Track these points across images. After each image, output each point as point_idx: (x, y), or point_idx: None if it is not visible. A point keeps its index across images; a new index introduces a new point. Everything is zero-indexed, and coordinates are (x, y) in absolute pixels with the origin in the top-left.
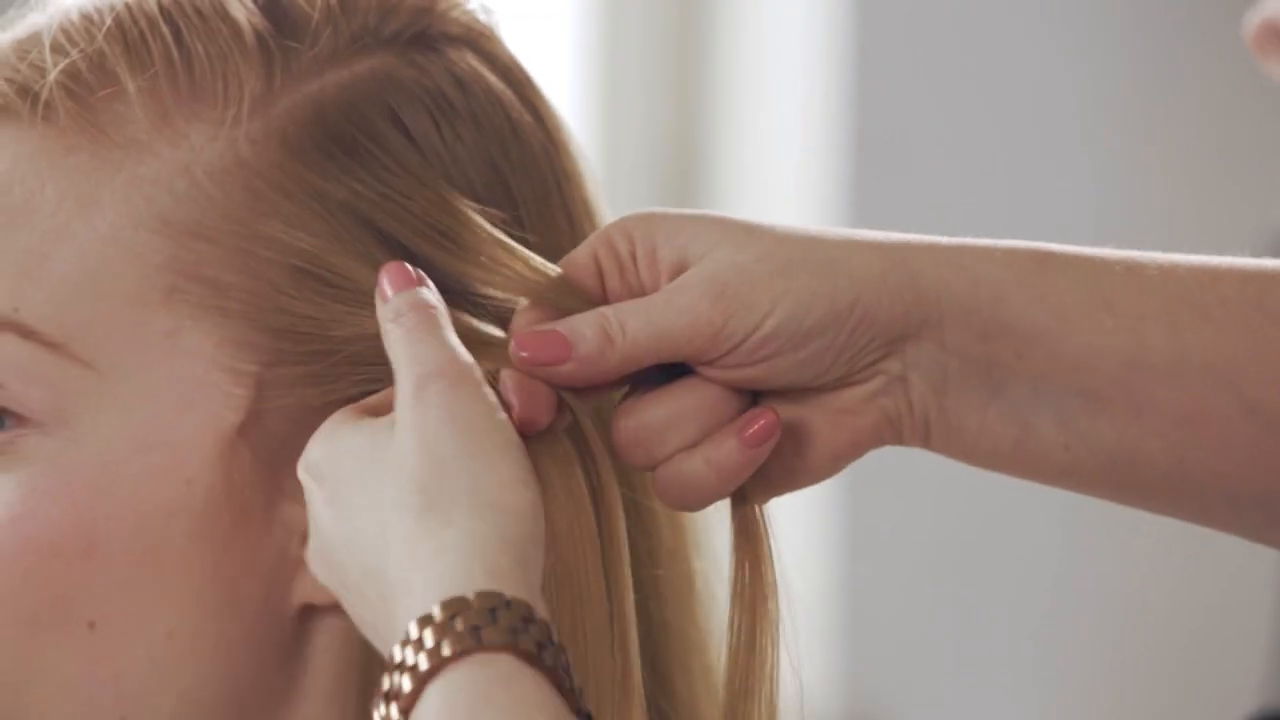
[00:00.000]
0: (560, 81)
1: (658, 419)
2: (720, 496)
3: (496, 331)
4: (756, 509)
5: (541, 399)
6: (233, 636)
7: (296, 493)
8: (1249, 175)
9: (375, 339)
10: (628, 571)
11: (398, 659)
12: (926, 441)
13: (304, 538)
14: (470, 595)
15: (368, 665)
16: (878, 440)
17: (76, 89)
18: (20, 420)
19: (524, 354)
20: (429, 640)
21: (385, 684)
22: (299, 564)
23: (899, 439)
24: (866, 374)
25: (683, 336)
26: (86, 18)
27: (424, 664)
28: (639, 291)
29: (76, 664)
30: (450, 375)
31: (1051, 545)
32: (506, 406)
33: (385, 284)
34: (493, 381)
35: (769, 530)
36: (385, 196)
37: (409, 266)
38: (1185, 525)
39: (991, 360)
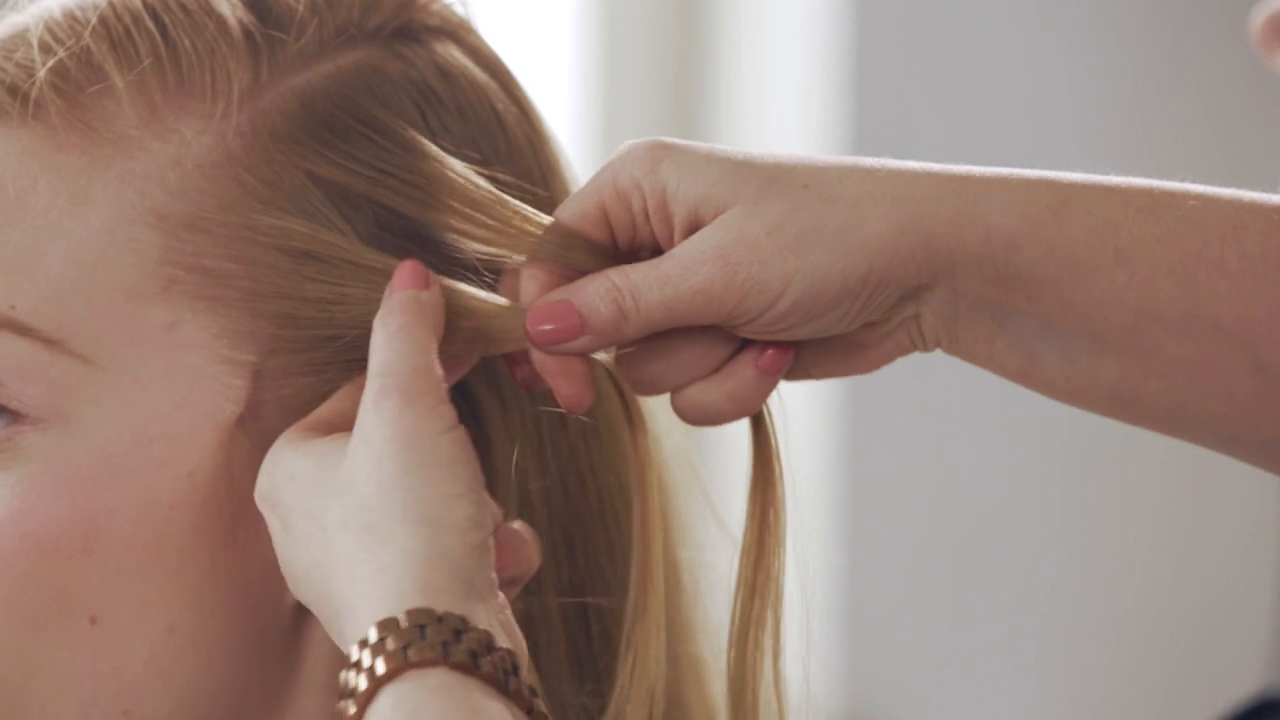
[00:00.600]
0: (560, 81)
1: (666, 356)
2: (739, 418)
3: (501, 300)
4: (771, 427)
5: (581, 378)
6: (233, 630)
7: None
8: (1250, 175)
9: (365, 325)
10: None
11: (344, 683)
12: (937, 348)
13: None
14: (400, 615)
15: None
16: (889, 361)
17: (66, 87)
18: (18, 417)
19: (539, 330)
20: (366, 661)
21: (339, 709)
22: None
23: (908, 354)
24: (879, 319)
25: (697, 313)
26: (71, 16)
27: (363, 685)
28: (651, 246)
29: (78, 659)
30: (406, 390)
31: (1051, 545)
32: (554, 390)
33: (393, 280)
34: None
35: (779, 445)
36: (379, 175)
37: (420, 266)
38: (1186, 526)
39: (1002, 301)
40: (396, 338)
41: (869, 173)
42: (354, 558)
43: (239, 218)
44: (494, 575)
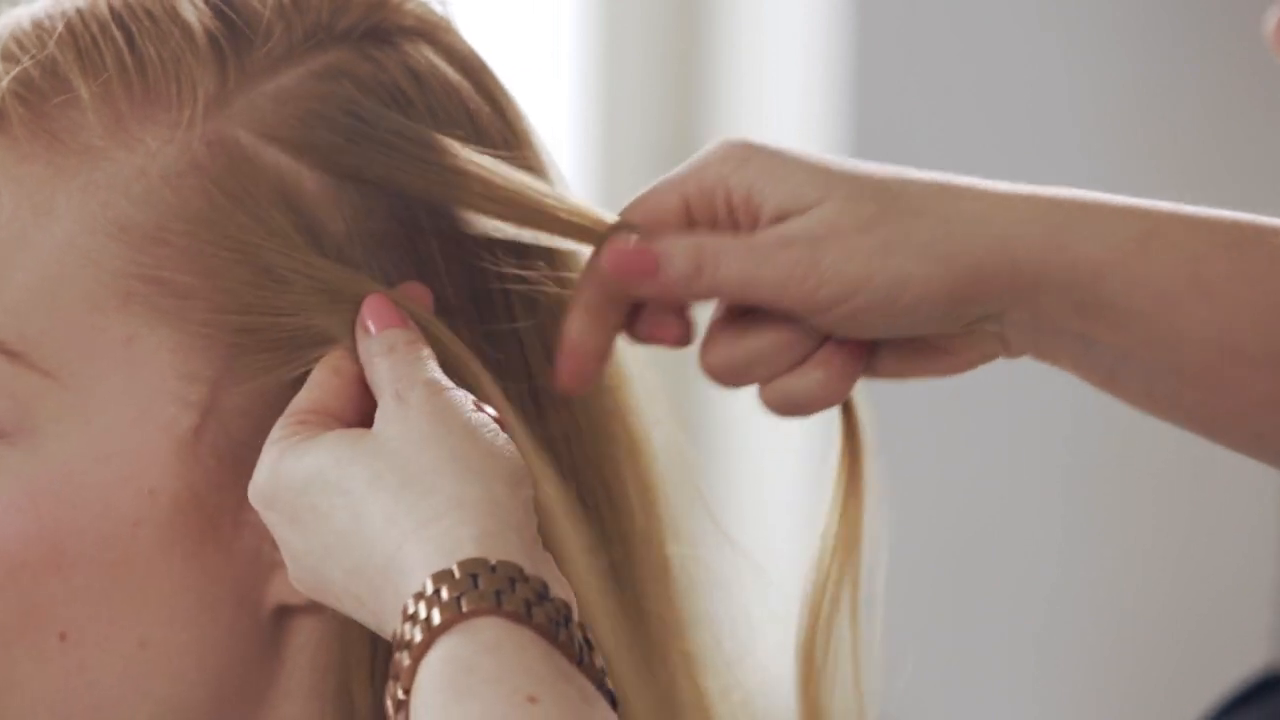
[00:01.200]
0: (560, 82)
1: (747, 353)
2: (826, 407)
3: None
4: (858, 413)
5: (592, 358)
6: (208, 642)
7: None
8: (1251, 175)
9: (324, 328)
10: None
11: (400, 635)
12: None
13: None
14: (453, 564)
15: (345, 664)
16: (974, 366)
17: (30, 97)
18: None
19: (610, 262)
20: (422, 613)
21: (395, 660)
22: (273, 566)
23: (993, 360)
24: (960, 332)
25: (773, 293)
26: (38, 24)
27: (418, 636)
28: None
29: (49, 675)
30: (431, 383)
31: (1051, 544)
32: (565, 359)
33: (369, 318)
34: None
35: (865, 431)
36: (352, 177)
37: (388, 300)
38: (1187, 529)
39: (1085, 330)
40: (404, 360)
41: (958, 192)
42: (395, 511)
43: (201, 229)
44: (539, 534)
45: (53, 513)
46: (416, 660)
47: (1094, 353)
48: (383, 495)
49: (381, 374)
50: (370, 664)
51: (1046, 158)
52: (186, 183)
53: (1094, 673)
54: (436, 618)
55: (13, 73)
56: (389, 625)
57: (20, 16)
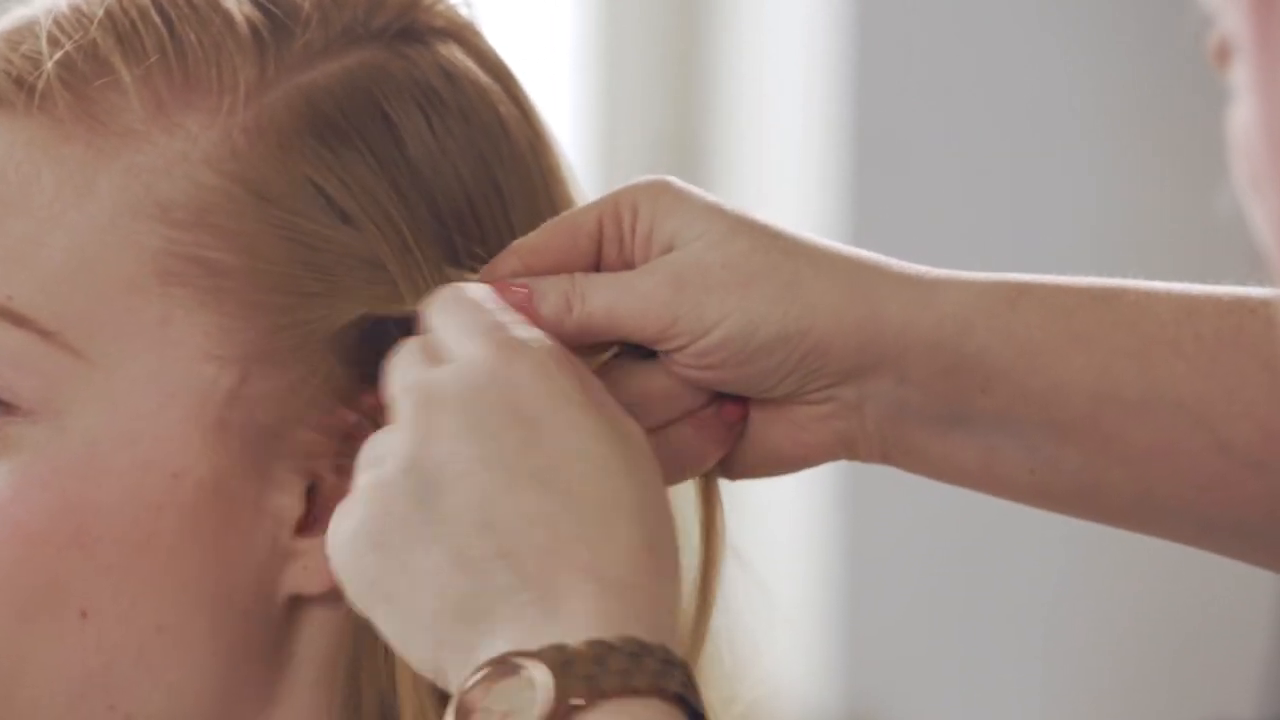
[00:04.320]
0: (560, 81)
1: (629, 394)
2: (691, 471)
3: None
4: (714, 484)
5: None
6: (222, 628)
7: (285, 483)
8: None
9: (359, 324)
10: None
11: (525, 675)
12: (885, 460)
13: (294, 528)
14: (614, 638)
15: (355, 656)
16: (829, 457)
17: (72, 79)
18: (10, 409)
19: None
20: (549, 680)
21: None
22: (289, 554)
23: (854, 457)
24: (818, 396)
25: (635, 322)
26: (77, 10)
27: (574, 694)
28: (628, 266)
29: (68, 652)
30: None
31: (1052, 546)
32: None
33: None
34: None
35: (721, 503)
36: (369, 190)
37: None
38: None
39: (955, 394)
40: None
41: (834, 248)
42: (570, 550)
43: (243, 211)
44: None
45: (77, 491)
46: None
47: (967, 429)
48: (565, 522)
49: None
50: (378, 657)
51: (1046, 157)
52: (227, 167)
53: (1094, 673)
54: (582, 688)
55: (56, 55)
56: (477, 613)
57: (59, 2)
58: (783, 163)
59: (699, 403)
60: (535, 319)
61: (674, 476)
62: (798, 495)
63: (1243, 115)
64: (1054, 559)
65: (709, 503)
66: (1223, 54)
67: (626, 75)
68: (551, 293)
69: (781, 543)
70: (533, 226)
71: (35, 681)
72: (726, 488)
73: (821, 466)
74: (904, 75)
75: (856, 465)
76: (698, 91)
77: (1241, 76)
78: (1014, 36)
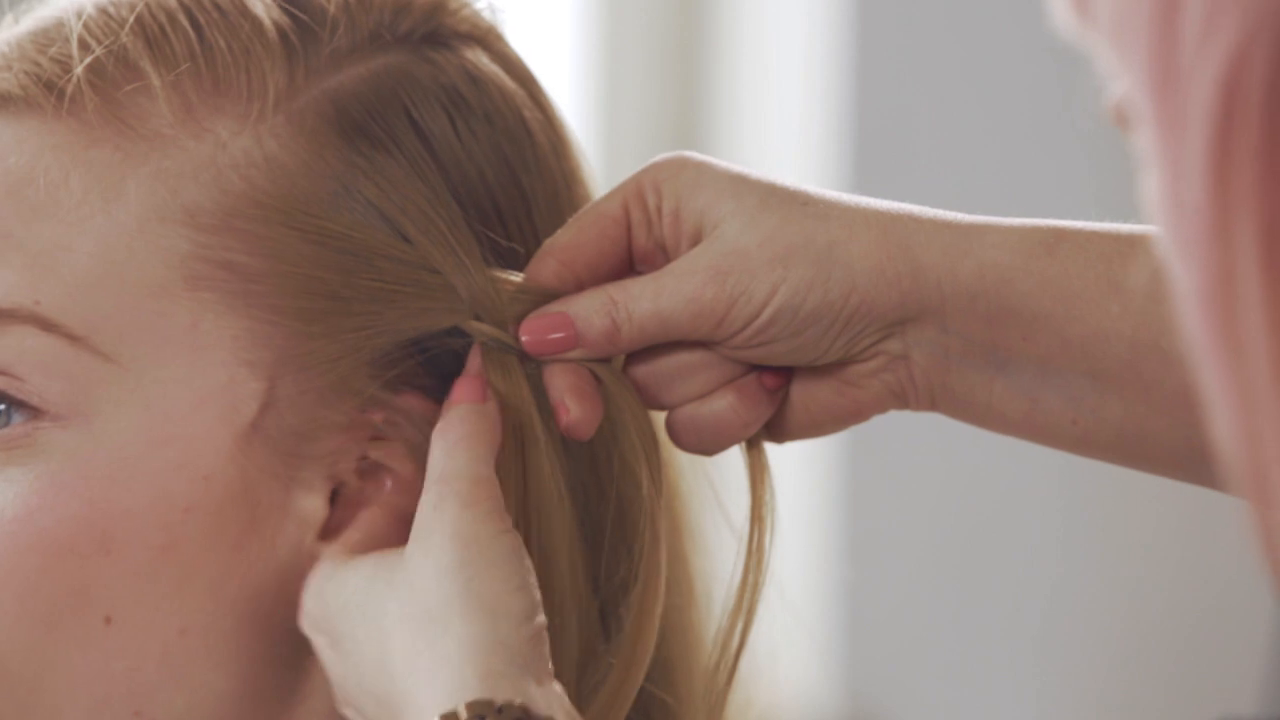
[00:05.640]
0: (560, 81)
1: (669, 367)
2: (734, 439)
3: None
4: (759, 453)
5: (592, 405)
6: (245, 634)
7: (311, 484)
8: None
9: (387, 330)
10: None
11: None
12: (934, 408)
13: (319, 531)
14: (460, 707)
15: None
16: (882, 409)
17: (102, 83)
18: (38, 413)
19: (533, 339)
20: None
21: None
22: (312, 558)
23: (905, 407)
24: (868, 354)
25: (688, 324)
26: (104, 12)
27: None
28: (661, 247)
29: (91, 658)
30: (464, 495)
31: (1050, 546)
32: (558, 410)
33: (452, 393)
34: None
35: (768, 471)
36: (404, 193)
37: (479, 380)
38: (1184, 527)
39: (996, 342)
40: (456, 449)
41: (866, 204)
42: (412, 650)
43: (272, 216)
44: (550, 664)
45: (105, 495)
46: None
47: (1010, 372)
48: (405, 632)
49: (434, 459)
50: None
51: (1046, 157)
52: (255, 173)
53: (1093, 674)
54: None
55: (86, 60)
56: None
57: (85, 3)
58: (783, 161)
59: (739, 372)
60: (585, 345)
61: (716, 445)
62: (798, 495)
63: (1152, 185)
64: (1054, 559)
65: (757, 472)
66: (1122, 118)
67: (627, 74)
68: (595, 316)
69: (781, 543)
70: (555, 228)
71: (58, 688)
72: (722, 492)
73: (821, 467)
74: (904, 73)
75: (856, 465)
76: (698, 90)
77: (1145, 146)
78: (1014, 33)
